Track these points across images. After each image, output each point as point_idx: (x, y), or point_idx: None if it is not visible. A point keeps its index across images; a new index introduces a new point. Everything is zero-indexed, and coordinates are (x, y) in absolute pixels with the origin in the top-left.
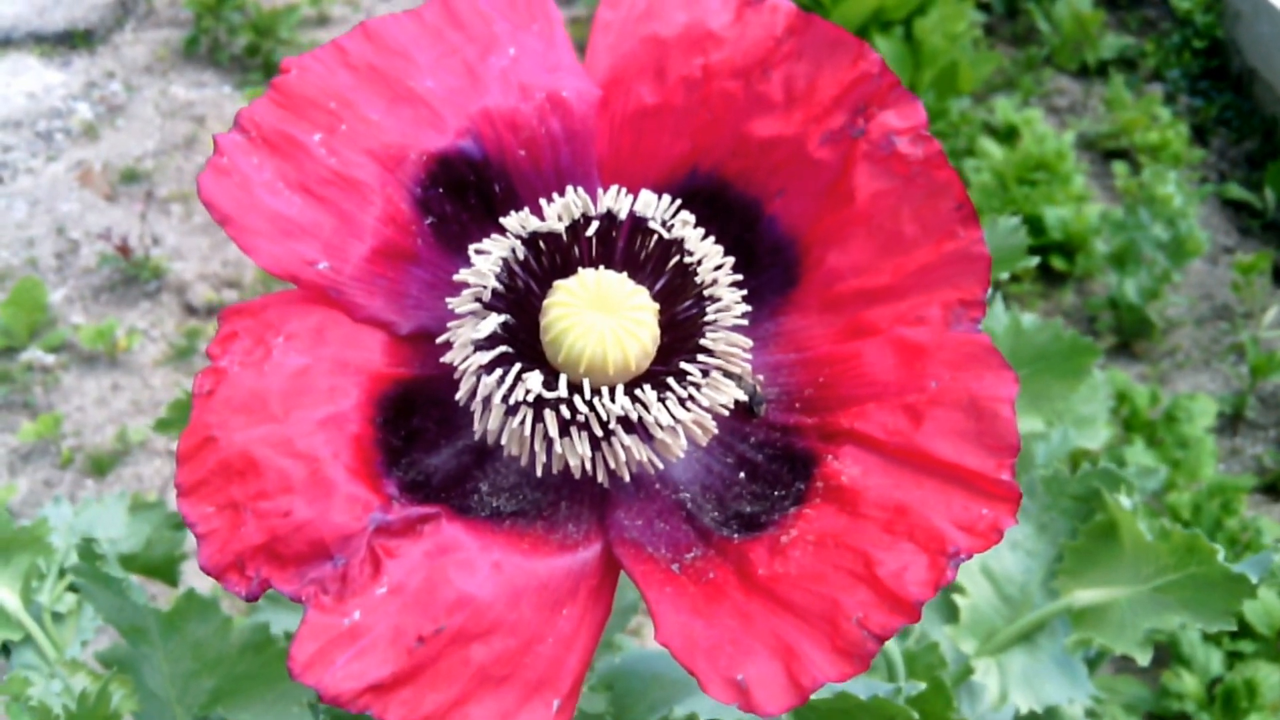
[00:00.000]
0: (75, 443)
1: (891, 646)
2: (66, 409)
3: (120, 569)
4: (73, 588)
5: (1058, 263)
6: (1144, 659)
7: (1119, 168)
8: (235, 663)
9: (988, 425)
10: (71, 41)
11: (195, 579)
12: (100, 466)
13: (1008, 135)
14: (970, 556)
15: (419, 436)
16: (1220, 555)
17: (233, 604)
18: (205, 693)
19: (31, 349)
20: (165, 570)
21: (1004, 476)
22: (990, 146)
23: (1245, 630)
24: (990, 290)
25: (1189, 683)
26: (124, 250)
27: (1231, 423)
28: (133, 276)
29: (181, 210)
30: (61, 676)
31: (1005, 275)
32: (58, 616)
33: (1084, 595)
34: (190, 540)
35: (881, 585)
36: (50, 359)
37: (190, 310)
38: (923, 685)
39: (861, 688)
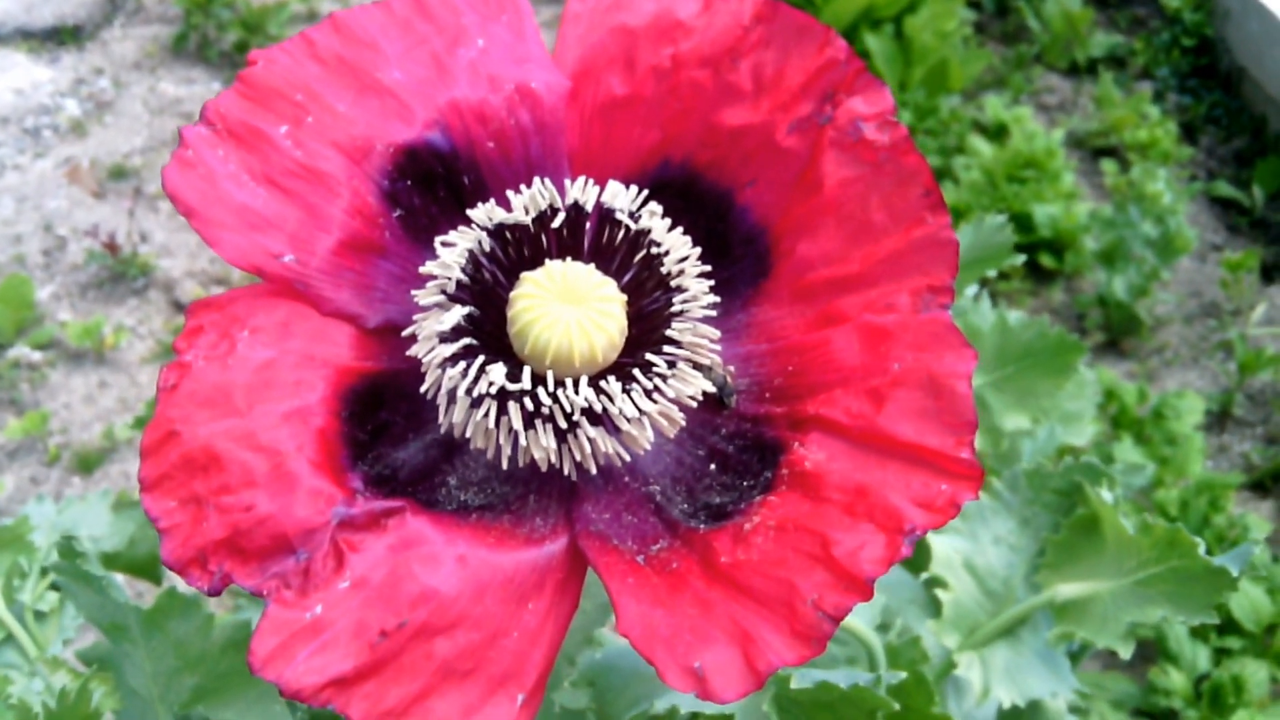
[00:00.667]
0: (62, 440)
1: (873, 638)
2: (53, 406)
3: (101, 567)
4: (54, 586)
5: (1047, 260)
6: (1126, 652)
7: (1108, 165)
8: (217, 660)
9: (946, 403)
10: (60, 38)
11: (179, 577)
12: (87, 464)
13: (997, 133)
14: (926, 532)
15: (386, 430)
16: (1201, 548)
17: (217, 602)
18: (187, 690)
19: (18, 346)
20: (149, 568)
21: (963, 454)
22: (980, 144)
23: (1232, 626)
24: (977, 287)
25: (1176, 679)
26: (111, 247)
27: (1219, 420)
28: (120, 273)
29: (169, 207)
30: (42, 674)
31: (993, 273)
32: (40, 615)
33: (1066, 589)
34: None
35: (837, 565)
36: (37, 356)
37: (178, 307)
38: (904, 675)
39: (843, 678)
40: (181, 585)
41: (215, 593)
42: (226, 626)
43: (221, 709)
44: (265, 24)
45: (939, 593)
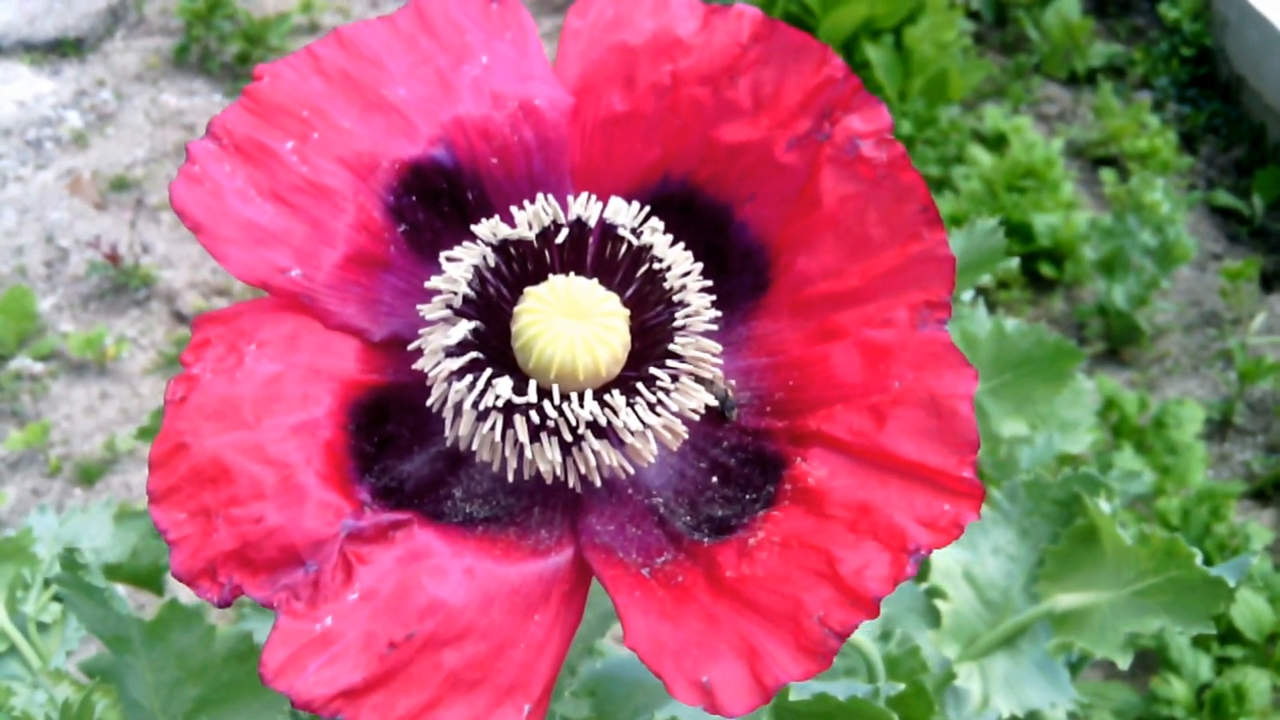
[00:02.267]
0: (63, 451)
1: (872, 649)
2: (55, 417)
3: (103, 578)
4: (57, 598)
5: (1046, 270)
6: (1124, 663)
7: (1107, 175)
8: (219, 671)
9: (947, 423)
10: (62, 50)
11: (181, 588)
12: (89, 475)
13: (997, 143)
14: (930, 552)
15: (392, 443)
16: (1199, 559)
17: (219, 614)
18: (189, 701)
19: (20, 357)
20: (151, 579)
21: (965, 474)
22: (979, 154)
23: (1234, 636)
24: (973, 293)
25: (1178, 689)
26: (113, 258)
27: (1220, 429)
28: (122, 285)
29: (171, 218)
30: (45, 686)
31: (988, 279)
32: (42, 626)
33: (1065, 599)
34: None
35: (843, 583)
36: (39, 367)
37: (179, 318)
38: (902, 686)
39: (841, 689)
40: (184, 596)
41: (225, 604)
42: (228, 638)
43: None
44: (266, 36)
45: (938, 603)
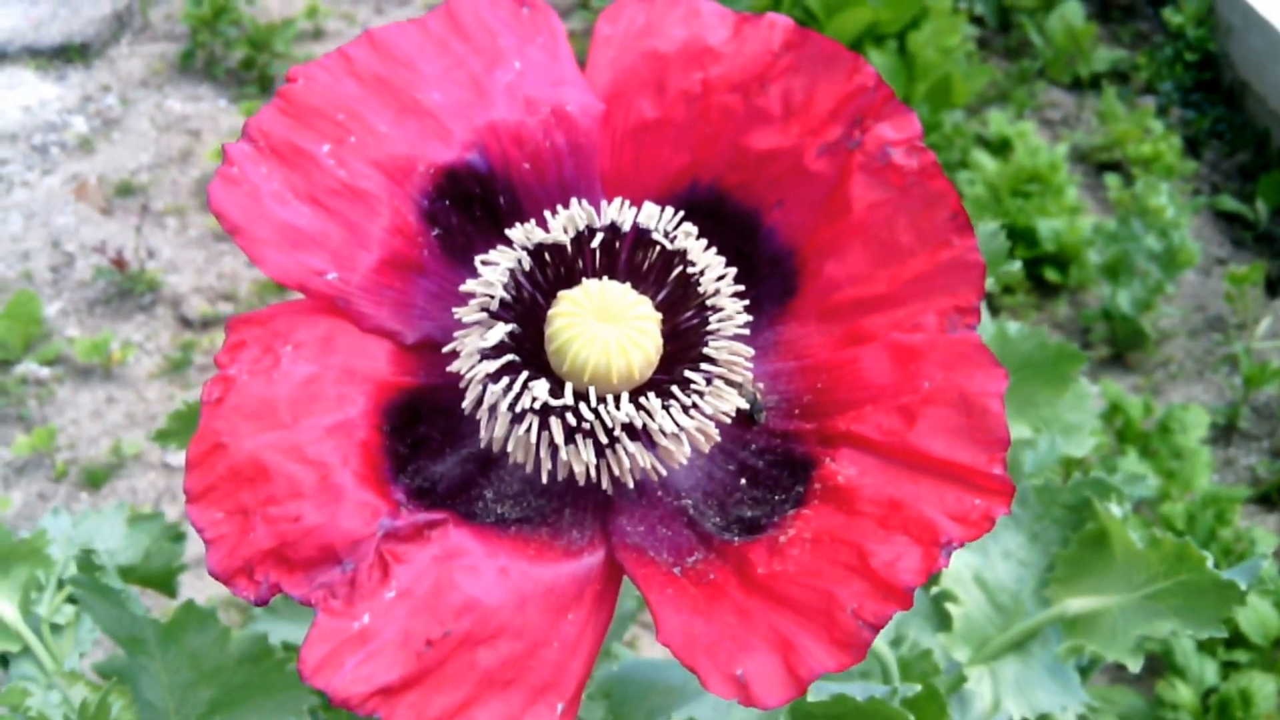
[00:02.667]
0: (70, 456)
1: (886, 651)
2: (61, 422)
3: (119, 580)
4: (71, 599)
5: (1051, 275)
6: (1135, 666)
7: (1112, 180)
8: (233, 673)
9: (978, 421)
10: (67, 55)
11: (193, 591)
12: (95, 479)
13: (1001, 148)
14: (962, 544)
15: (425, 444)
16: (1210, 562)
17: (228, 615)
18: (203, 703)
19: (26, 362)
20: (163, 582)
21: (996, 470)
22: (983, 159)
23: (1240, 640)
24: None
25: (1184, 693)
26: (119, 263)
27: (1225, 433)
28: (128, 289)
29: (177, 223)
30: (60, 687)
31: (992, 284)
32: (56, 628)
33: (1076, 603)
34: (189, 552)
35: (875, 575)
36: (45, 372)
37: (185, 323)
38: (918, 688)
39: (858, 690)
40: (198, 599)
41: (262, 602)
42: (243, 639)
43: None
44: (272, 41)
45: (949, 607)
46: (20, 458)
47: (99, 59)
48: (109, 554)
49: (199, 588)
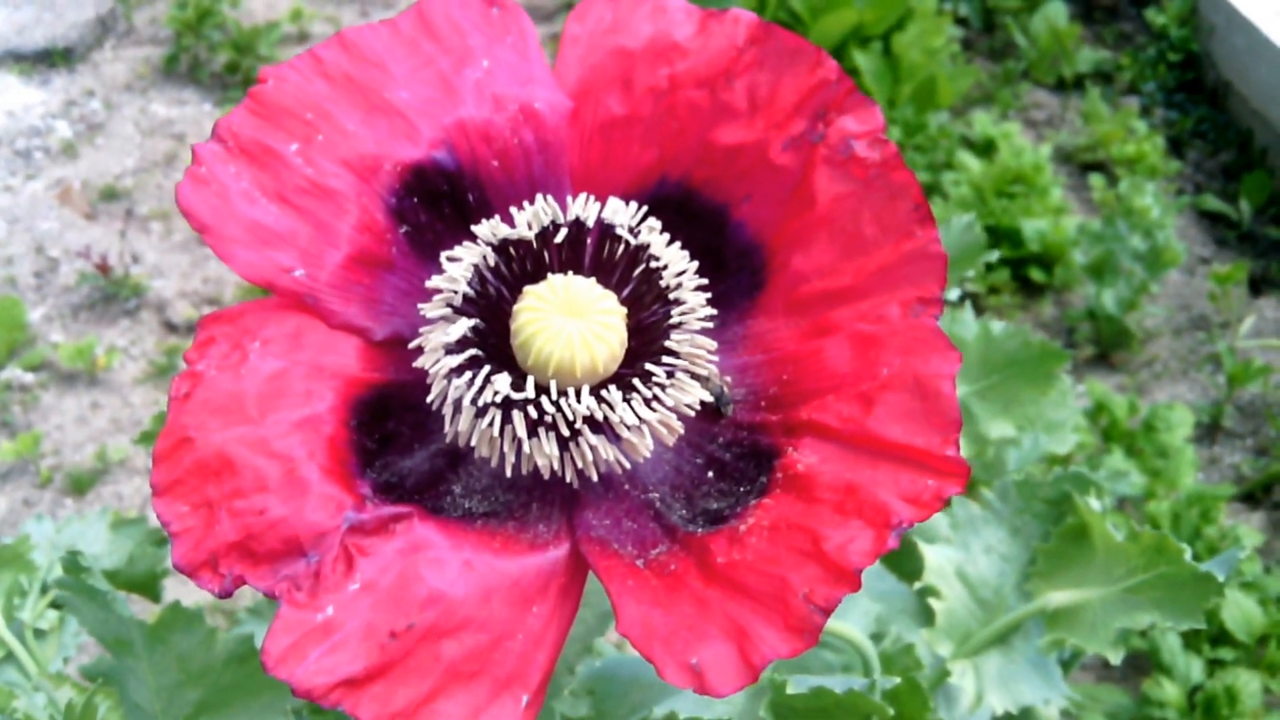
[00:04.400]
0: (54, 461)
1: (867, 644)
2: (46, 428)
3: (105, 582)
4: (54, 604)
5: (1036, 275)
6: (1116, 658)
7: (1096, 180)
8: (220, 674)
9: (932, 404)
10: (51, 60)
11: (177, 596)
12: (80, 485)
13: (985, 148)
14: (912, 524)
15: (393, 440)
16: (1188, 554)
17: (214, 619)
18: (190, 704)
19: (10, 368)
20: (147, 586)
21: (949, 452)
22: (968, 159)
23: (1225, 637)
24: (959, 295)
25: (1170, 691)
26: (103, 268)
27: (1210, 432)
28: (112, 294)
29: (161, 228)
30: (46, 689)
31: (978, 286)
32: (39, 633)
33: (1057, 597)
34: None
35: (827, 559)
36: (29, 378)
37: (170, 328)
38: (898, 680)
39: (838, 684)
40: (184, 602)
41: (226, 594)
42: (229, 641)
43: None
44: (256, 45)
45: (932, 601)
46: (5, 464)
47: (83, 63)
48: (93, 559)
49: (182, 592)
